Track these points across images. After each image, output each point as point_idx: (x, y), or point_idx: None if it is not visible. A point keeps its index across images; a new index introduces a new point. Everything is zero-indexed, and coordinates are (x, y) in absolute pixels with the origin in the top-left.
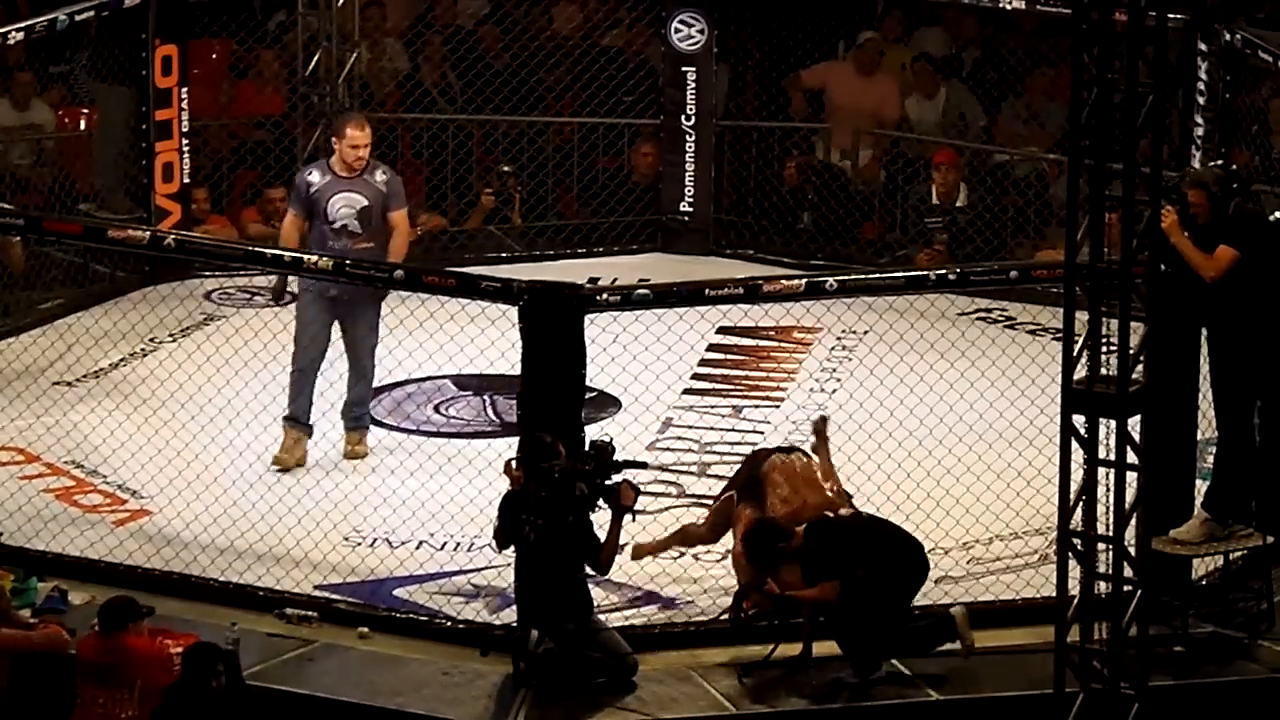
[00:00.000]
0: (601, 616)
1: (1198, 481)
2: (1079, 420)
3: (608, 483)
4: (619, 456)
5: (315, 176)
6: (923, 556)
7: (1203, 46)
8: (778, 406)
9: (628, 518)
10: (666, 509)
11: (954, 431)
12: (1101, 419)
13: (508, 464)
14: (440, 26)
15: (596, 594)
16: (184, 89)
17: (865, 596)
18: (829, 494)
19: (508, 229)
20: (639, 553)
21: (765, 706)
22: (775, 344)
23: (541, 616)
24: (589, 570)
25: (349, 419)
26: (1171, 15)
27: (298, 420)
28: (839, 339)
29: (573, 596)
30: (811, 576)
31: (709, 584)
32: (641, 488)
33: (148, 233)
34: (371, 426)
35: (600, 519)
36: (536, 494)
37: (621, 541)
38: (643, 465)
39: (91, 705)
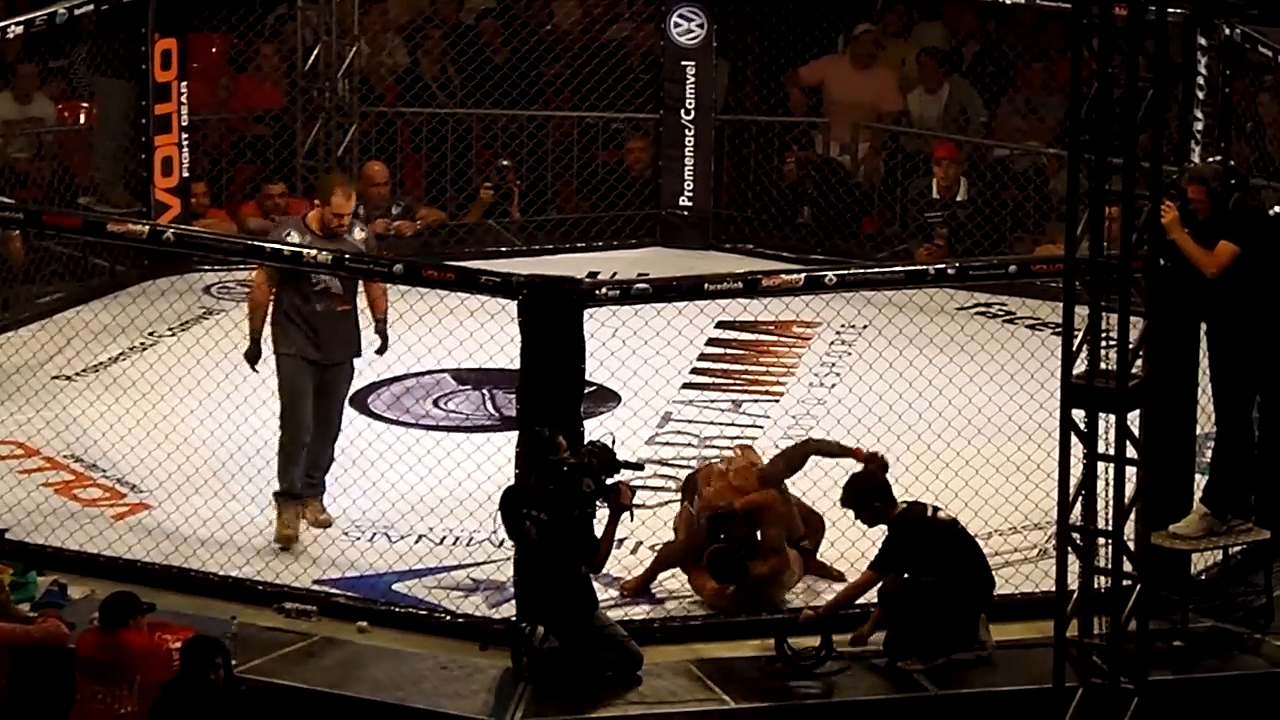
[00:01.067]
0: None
1: (1197, 476)
2: (1078, 415)
3: (608, 482)
4: (617, 456)
5: (294, 236)
6: (990, 585)
7: (1203, 41)
8: (777, 401)
9: (624, 516)
10: (666, 503)
11: (953, 426)
12: (1101, 414)
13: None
14: (439, 21)
15: (597, 589)
16: (183, 83)
17: (923, 597)
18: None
19: (507, 223)
20: (627, 590)
21: (763, 701)
22: (774, 338)
23: (545, 612)
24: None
25: (309, 484)
26: (1171, 9)
27: (292, 493)
28: (838, 334)
29: (576, 592)
30: (881, 560)
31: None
32: (640, 484)
33: (147, 227)
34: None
35: (596, 517)
36: (542, 488)
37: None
38: (639, 466)
39: (91, 701)
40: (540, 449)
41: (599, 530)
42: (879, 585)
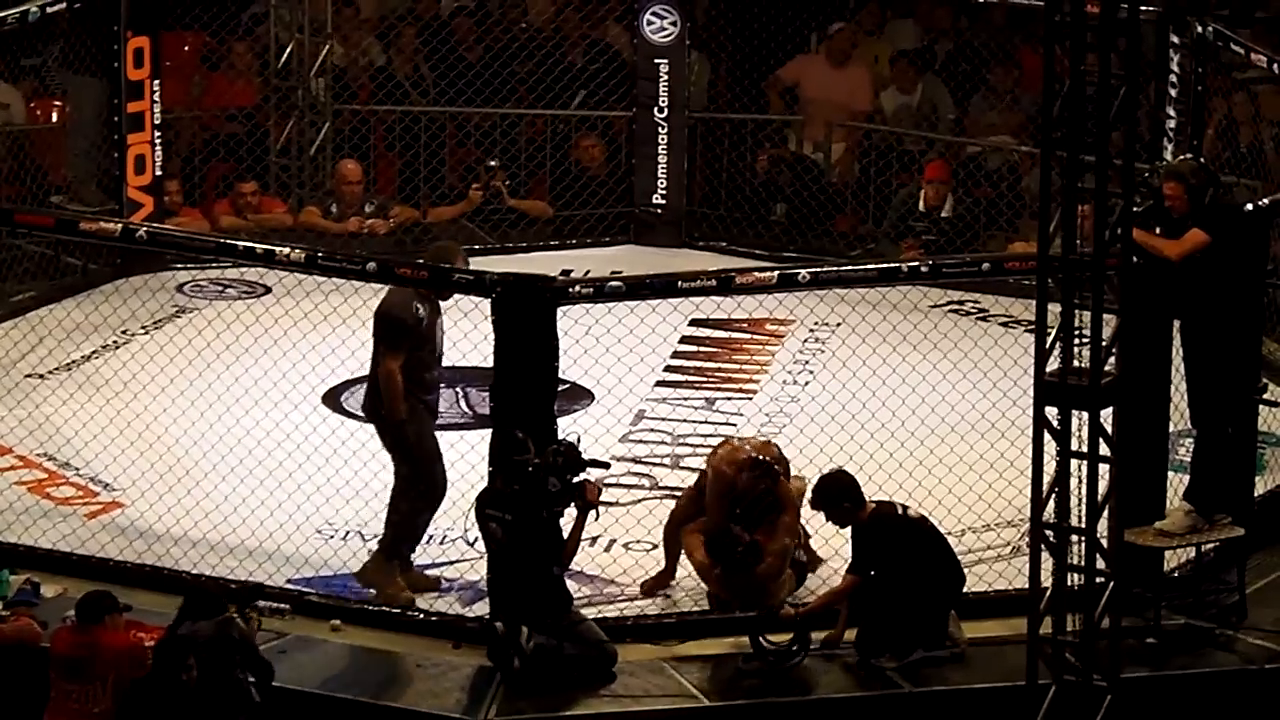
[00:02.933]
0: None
1: (1169, 473)
2: (1052, 412)
3: (574, 480)
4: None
5: (421, 310)
6: (960, 581)
7: (1175, 39)
8: (750, 398)
9: (591, 514)
10: (639, 501)
11: (926, 424)
12: (1074, 411)
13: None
14: (412, 20)
15: (571, 586)
16: (156, 81)
17: (895, 594)
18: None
19: (479, 221)
20: (649, 589)
21: (737, 699)
22: (748, 336)
23: (520, 613)
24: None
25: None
26: (1144, 7)
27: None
28: (811, 331)
29: (550, 592)
30: (855, 559)
31: (681, 576)
32: (610, 483)
33: (120, 225)
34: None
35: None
36: (509, 489)
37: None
38: (606, 465)
39: (65, 699)
40: (508, 450)
41: (567, 529)
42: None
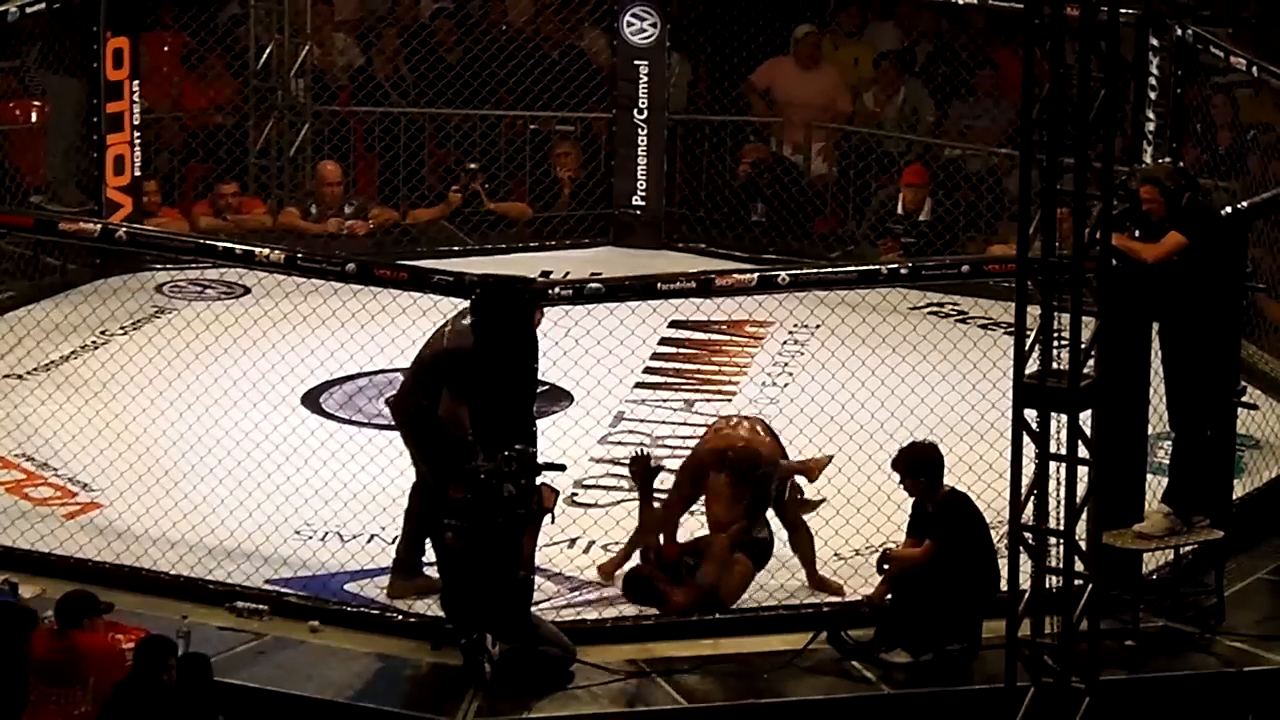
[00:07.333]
0: (540, 611)
1: (1148, 476)
2: (1031, 414)
3: (529, 485)
4: (541, 459)
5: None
6: (996, 582)
7: (1154, 41)
8: (729, 401)
9: (545, 519)
10: (618, 503)
11: (905, 426)
12: (1053, 413)
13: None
14: (393, 20)
15: (549, 588)
16: (135, 82)
17: (951, 578)
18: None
19: (459, 222)
20: (604, 572)
21: (717, 701)
22: (727, 338)
23: (482, 620)
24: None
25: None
26: (1123, 10)
27: None
28: (791, 333)
29: (511, 596)
30: (938, 532)
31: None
32: (589, 484)
33: (99, 225)
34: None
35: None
36: (462, 496)
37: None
38: (560, 468)
39: (45, 702)
40: (459, 456)
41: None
42: (887, 571)
